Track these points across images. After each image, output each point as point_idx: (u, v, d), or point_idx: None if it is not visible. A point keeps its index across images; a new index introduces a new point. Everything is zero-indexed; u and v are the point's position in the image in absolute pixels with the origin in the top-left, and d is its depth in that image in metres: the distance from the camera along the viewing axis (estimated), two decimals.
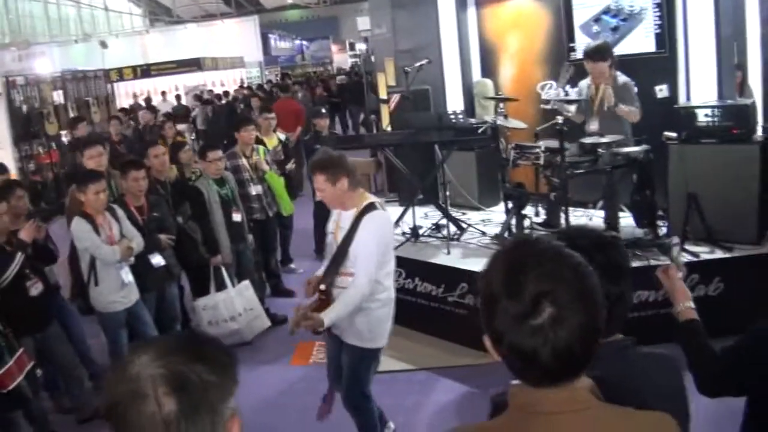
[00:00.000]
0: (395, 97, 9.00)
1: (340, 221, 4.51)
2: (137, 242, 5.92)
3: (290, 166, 9.04)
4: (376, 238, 4.30)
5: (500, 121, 7.16)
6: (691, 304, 2.70)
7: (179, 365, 1.37)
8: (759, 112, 6.85)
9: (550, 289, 1.44)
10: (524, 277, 1.46)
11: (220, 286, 6.94)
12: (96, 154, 6.76)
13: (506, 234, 6.99)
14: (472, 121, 8.09)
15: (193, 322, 7.39)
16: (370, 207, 4.37)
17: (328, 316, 4.21)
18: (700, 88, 7.19)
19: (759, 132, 6.48)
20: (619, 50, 7.25)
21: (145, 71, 26.71)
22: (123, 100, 25.32)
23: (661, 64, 7.45)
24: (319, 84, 24.56)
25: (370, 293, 4.32)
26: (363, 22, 15.44)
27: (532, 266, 1.47)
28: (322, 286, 4.40)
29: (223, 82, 28.35)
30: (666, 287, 2.79)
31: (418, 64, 7.70)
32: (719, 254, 6.12)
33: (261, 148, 8.17)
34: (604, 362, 1.63)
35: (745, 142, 6.28)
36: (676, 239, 3.05)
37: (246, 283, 7.12)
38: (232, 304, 6.89)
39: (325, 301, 4.38)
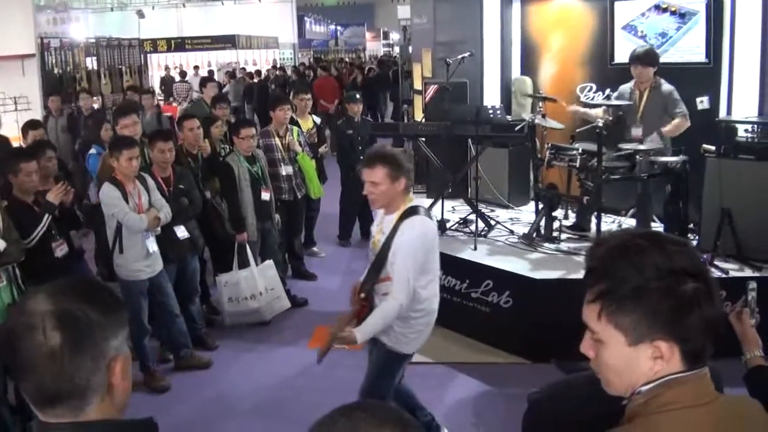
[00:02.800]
0: (432, 88, 8.94)
1: (382, 225, 4.24)
2: (165, 212, 5.90)
3: (323, 149, 8.98)
4: (414, 246, 4.02)
5: (538, 120, 7.08)
6: (761, 353, 2.65)
7: (67, 303, 1.53)
8: None
9: (704, 269, 1.53)
10: (681, 259, 1.51)
11: (243, 264, 6.91)
12: (130, 123, 6.72)
13: (534, 234, 6.93)
14: (510, 117, 8.02)
15: (213, 297, 7.39)
16: (411, 211, 4.11)
17: (361, 333, 3.98)
18: (741, 102, 7.13)
19: None
20: (662, 58, 7.14)
21: (179, 45, 26.72)
22: (155, 72, 25.37)
23: (703, 74, 7.34)
24: (354, 71, 24.46)
25: (408, 304, 4.05)
26: (403, 11, 15.38)
27: (684, 251, 1.54)
28: (362, 294, 4.18)
29: (256, 61, 28.35)
30: (737, 332, 2.72)
31: (460, 56, 7.61)
32: (748, 272, 6.02)
33: (295, 129, 8.11)
34: None
35: None
36: (753, 284, 2.91)
37: (269, 262, 7.10)
38: (254, 283, 6.87)
39: (366, 307, 4.16)
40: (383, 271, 4.12)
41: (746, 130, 6.47)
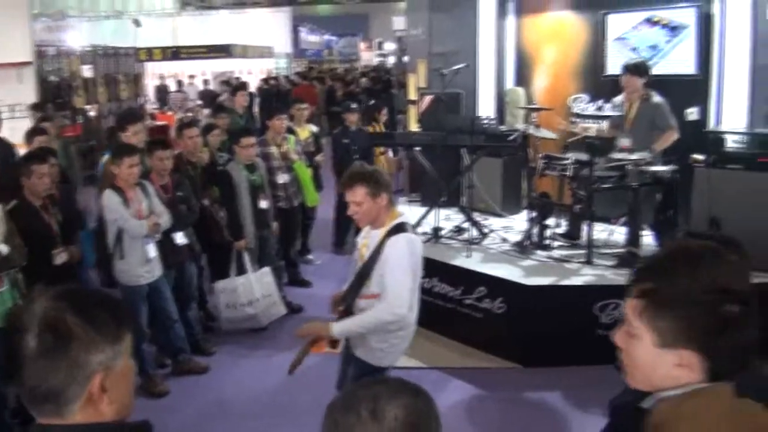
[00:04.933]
0: (427, 99, 9.05)
1: (368, 239, 4.19)
2: (165, 219, 5.99)
3: (319, 158, 9.09)
4: (404, 260, 3.96)
5: (531, 130, 7.20)
6: None
7: (55, 312, 1.54)
8: None
9: (751, 294, 1.61)
10: (736, 279, 1.59)
11: (240, 271, 7.01)
12: (140, 130, 6.79)
13: (527, 242, 7.04)
14: (503, 128, 8.13)
15: (209, 304, 7.46)
16: (397, 229, 4.04)
17: (338, 326, 3.99)
18: (730, 114, 7.25)
19: None
20: (653, 70, 7.26)
21: (175, 53, 26.63)
22: (150, 80, 25.38)
23: (693, 86, 7.48)
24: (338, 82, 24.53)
25: (392, 322, 3.99)
26: (398, 22, 15.49)
27: (742, 271, 1.64)
28: (341, 307, 4.16)
29: (251, 71, 28.39)
30: None
31: (456, 67, 7.71)
32: None
33: (291, 137, 8.23)
34: None
35: None
36: None
37: (266, 269, 7.18)
38: (251, 289, 6.96)
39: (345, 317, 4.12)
40: (366, 287, 4.09)
41: (734, 141, 6.60)
